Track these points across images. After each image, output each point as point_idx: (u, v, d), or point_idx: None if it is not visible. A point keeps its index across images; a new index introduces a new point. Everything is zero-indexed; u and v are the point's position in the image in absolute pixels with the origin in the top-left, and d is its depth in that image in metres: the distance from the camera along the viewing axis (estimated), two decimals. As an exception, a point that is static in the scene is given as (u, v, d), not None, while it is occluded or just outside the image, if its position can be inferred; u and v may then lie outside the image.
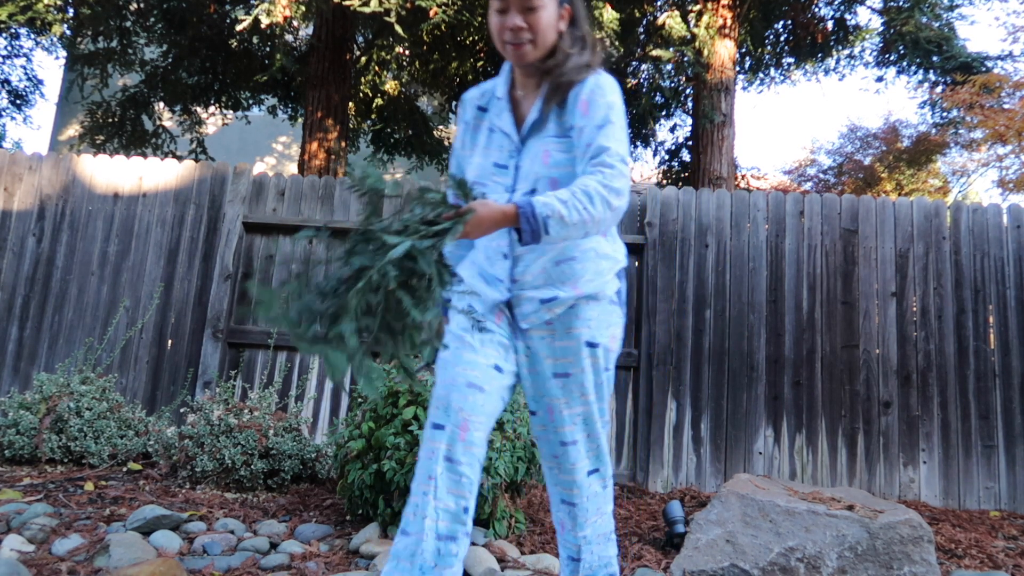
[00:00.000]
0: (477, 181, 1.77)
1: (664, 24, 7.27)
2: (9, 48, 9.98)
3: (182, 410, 4.08)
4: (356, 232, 1.47)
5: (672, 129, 10.13)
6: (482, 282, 1.78)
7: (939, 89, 8.72)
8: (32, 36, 9.46)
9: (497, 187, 1.75)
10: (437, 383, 1.68)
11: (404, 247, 1.38)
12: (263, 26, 5.63)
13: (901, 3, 8.16)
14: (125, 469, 3.54)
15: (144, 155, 7.11)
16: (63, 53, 9.49)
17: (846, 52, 9.42)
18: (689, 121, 9.41)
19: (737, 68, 8.12)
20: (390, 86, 9.46)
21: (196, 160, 5.91)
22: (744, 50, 9.16)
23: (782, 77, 10.33)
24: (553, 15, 1.71)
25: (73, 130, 11.42)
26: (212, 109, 9.18)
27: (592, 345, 1.72)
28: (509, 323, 1.76)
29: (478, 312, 1.74)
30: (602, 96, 1.69)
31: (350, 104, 8.41)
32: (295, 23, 6.89)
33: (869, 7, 8.73)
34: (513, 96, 1.81)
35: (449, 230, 1.45)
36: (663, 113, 9.56)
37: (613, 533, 1.90)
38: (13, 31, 9.18)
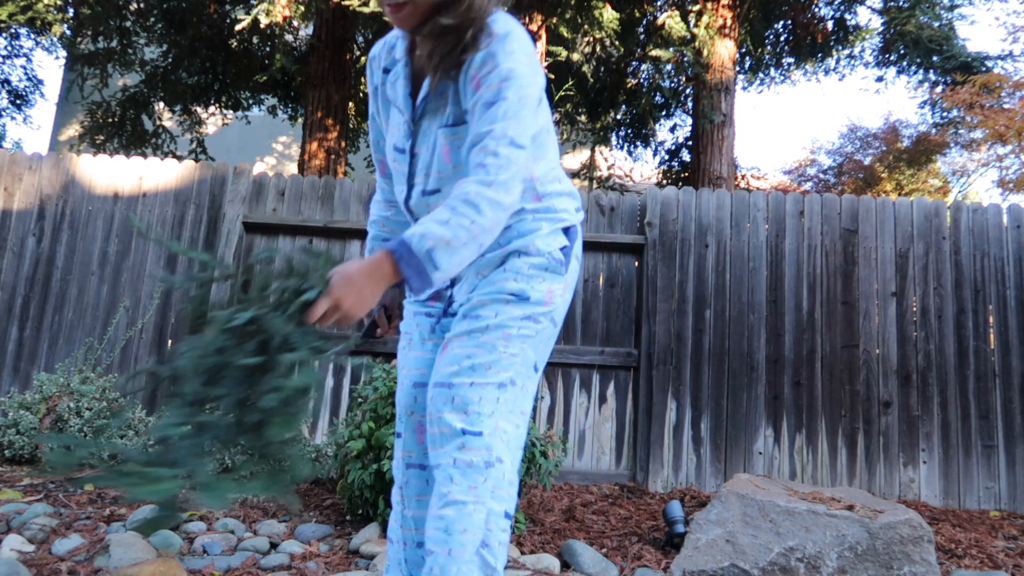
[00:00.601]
0: (390, 167, 1.57)
1: (664, 24, 7.27)
2: (9, 48, 9.98)
3: (182, 410, 4.08)
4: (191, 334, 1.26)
5: (672, 129, 10.13)
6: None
7: (939, 89, 8.72)
8: (32, 36, 9.45)
9: (400, 176, 1.52)
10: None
11: (246, 316, 1.19)
12: (263, 26, 5.64)
13: (901, 3, 8.16)
14: (125, 469, 3.53)
15: (144, 155, 7.11)
16: (63, 53, 9.49)
17: (846, 52, 9.42)
18: (689, 121, 9.41)
19: (737, 68, 8.12)
20: (390, 86, 9.45)
21: (196, 160, 5.91)
22: (744, 50, 9.16)
23: (782, 77, 10.33)
24: None
25: (73, 130, 11.42)
26: (212, 109, 9.18)
27: (518, 296, 1.45)
28: (442, 304, 1.62)
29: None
30: (495, 65, 1.34)
31: (350, 104, 8.41)
32: (295, 23, 6.90)
33: (869, 7, 8.73)
34: (414, 58, 1.48)
35: (310, 298, 1.25)
36: (663, 113, 9.57)
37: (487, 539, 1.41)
38: (13, 31, 9.18)
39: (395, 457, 1.61)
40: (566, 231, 1.52)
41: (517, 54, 1.34)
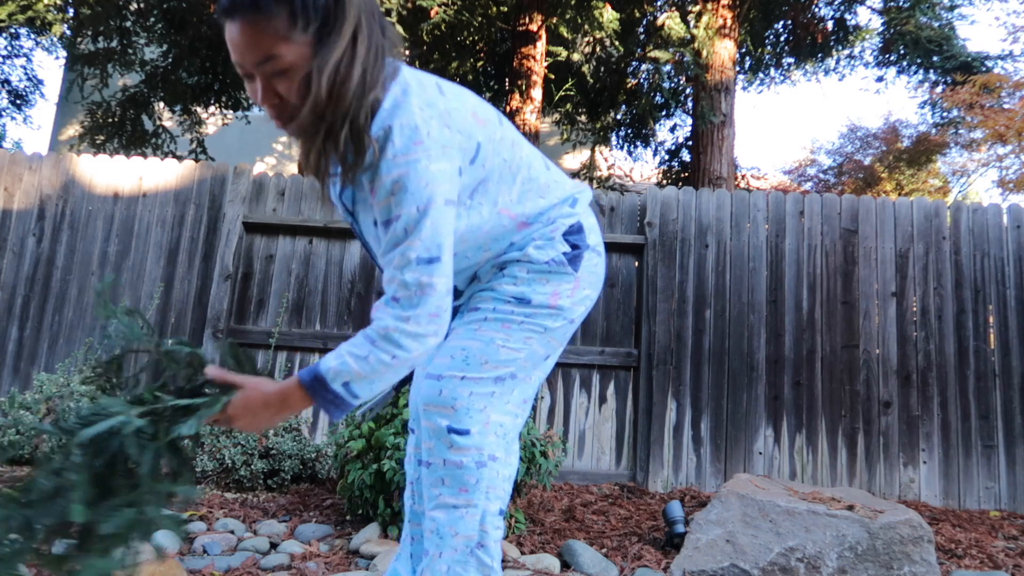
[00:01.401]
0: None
1: (664, 25, 7.27)
2: (9, 48, 9.99)
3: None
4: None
5: (672, 129, 10.13)
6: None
7: (939, 89, 8.73)
8: (32, 36, 9.46)
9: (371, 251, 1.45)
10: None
11: (102, 426, 1.07)
12: (263, 26, 5.63)
13: (901, 3, 8.16)
14: (125, 469, 3.53)
15: (144, 155, 7.11)
16: (63, 53, 9.49)
17: (846, 52, 9.43)
18: (689, 121, 9.41)
19: (737, 68, 8.12)
20: (390, 86, 9.45)
21: (196, 160, 5.91)
22: (744, 50, 9.16)
23: (782, 77, 10.34)
24: (306, 68, 1.19)
25: (73, 130, 11.42)
26: (212, 109, 9.18)
27: (519, 299, 1.41)
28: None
29: None
30: (378, 178, 1.20)
31: (350, 104, 8.38)
32: (295, 23, 6.88)
33: (869, 7, 8.73)
34: None
35: (196, 410, 1.15)
36: (663, 113, 9.57)
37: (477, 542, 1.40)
38: (13, 31, 9.18)
39: (407, 453, 1.60)
40: (568, 231, 1.46)
41: (403, 151, 1.18)
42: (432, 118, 1.22)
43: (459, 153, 1.25)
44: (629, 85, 8.98)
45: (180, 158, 5.30)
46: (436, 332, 1.22)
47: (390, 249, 1.21)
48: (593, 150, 9.27)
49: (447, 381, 1.37)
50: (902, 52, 8.38)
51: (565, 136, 9.60)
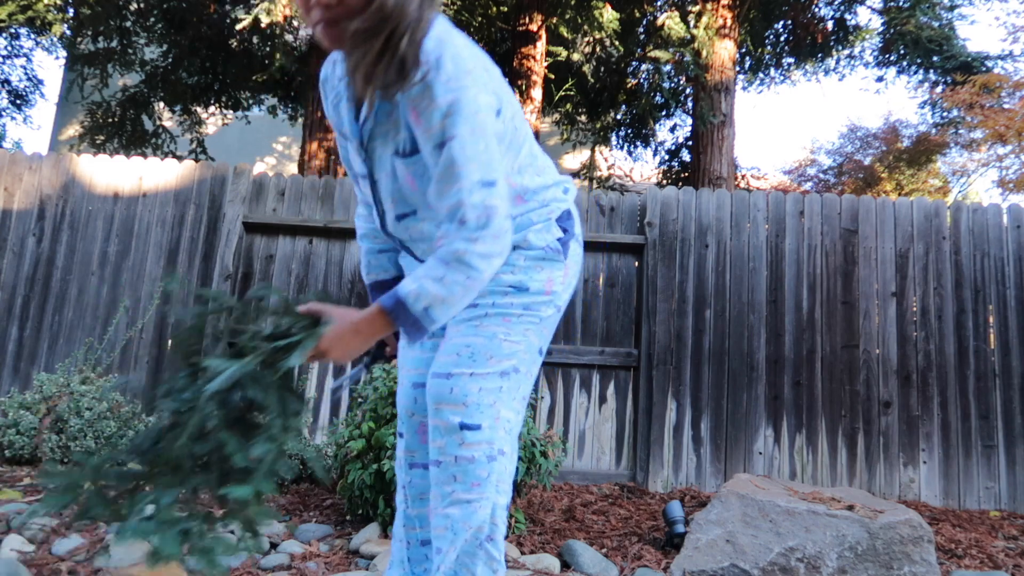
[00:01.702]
0: (358, 195, 1.55)
1: (664, 25, 7.27)
2: (9, 48, 9.98)
3: (182, 410, 4.08)
4: (182, 365, 1.19)
5: (672, 129, 10.13)
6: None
7: (939, 89, 8.73)
8: (32, 36, 9.46)
9: (369, 201, 1.48)
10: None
11: (226, 376, 1.12)
12: (263, 26, 5.64)
13: (901, 3, 8.16)
14: (125, 469, 3.53)
15: (144, 155, 7.11)
16: (63, 53, 9.49)
17: (846, 52, 9.43)
18: (689, 121, 9.41)
19: (737, 68, 8.12)
20: (390, 86, 9.44)
21: (196, 160, 5.91)
22: (744, 50, 9.16)
23: (782, 77, 10.33)
24: None
25: (73, 130, 11.42)
26: (212, 109, 9.19)
27: (516, 287, 1.44)
28: None
29: None
30: (432, 100, 1.22)
31: (350, 104, 8.39)
32: (295, 23, 6.89)
33: (869, 7, 8.73)
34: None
35: (296, 347, 1.19)
36: (663, 113, 9.57)
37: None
38: (13, 31, 9.18)
39: (397, 458, 1.60)
40: (560, 218, 1.49)
41: (455, 77, 1.21)
42: (476, 57, 1.27)
43: (495, 98, 1.28)
44: (629, 85, 8.98)
45: (180, 158, 5.31)
46: (501, 252, 1.27)
47: (447, 170, 1.23)
48: (593, 150, 9.27)
49: (457, 379, 1.38)
50: (902, 52, 8.38)
51: (565, 136, 9.60)
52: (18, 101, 10.61)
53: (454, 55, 1.22)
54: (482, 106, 1.23)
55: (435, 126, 1.22)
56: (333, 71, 1.44)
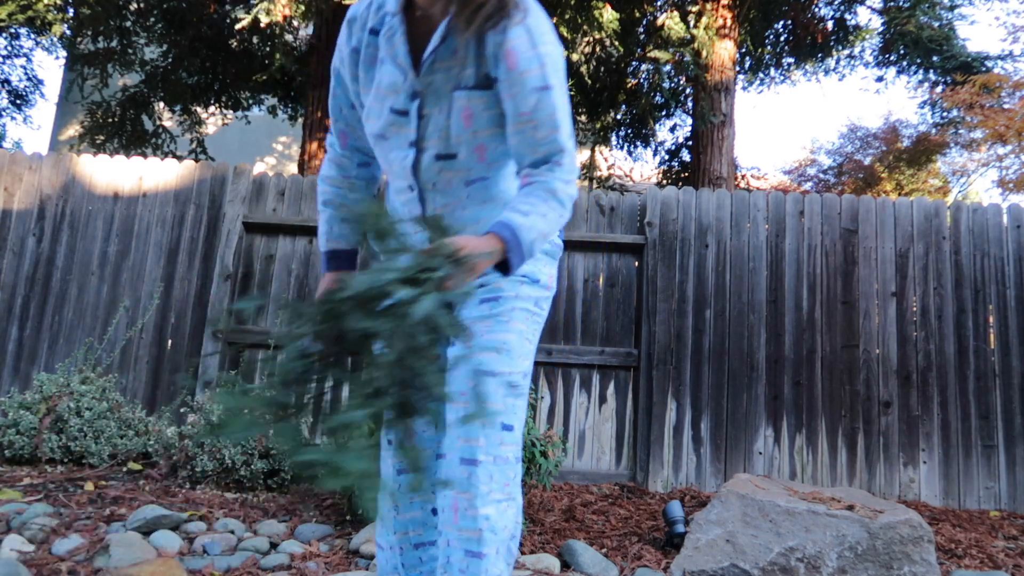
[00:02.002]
0: (377, 133, 1.42)
1: (664, 25, 7.27)
2: (9, 48, 9.98)
3: (182, 410, 4.08)
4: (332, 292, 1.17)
5: (672, 129, 10.12)
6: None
7: (939, 89, 8.73)
8: (32, 36, 9.46)
9: (399, 140, 1.41)
10: None
11: (432, 302, 1.12)
12: (263, 26, 5.64)
13: (901, 3, 8.16)
14: (125, 469, 3.54)
15: (144, 155, 7.11)
16: (63, 53, 9.49)
17: (846, 52, 9.42)
18: (689, 121, 9.41)
19: (737, 68, 8.12)
20: (390, 86, 9.44)
21: (196, 160, 5.91)
22: (744, 50, 9.16)
23: (782, 77, 10.33)
24: None
25: (73, 130, 11.42)
26: (212, 109, 9.18)
27: (530, 277, 1.47)
28: None
29: None
30: (534, 45, 1.29)
31: (350, 104, 8.39)
32: (295, 23, 6.90)
33: (869, 7, 8.73)
34: (411, 14, 1.37)
35: (453, 275, 1.19)
36: (663, 113, 9.56)
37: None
38: (13, 31, 9.18)
39: (383, 467, 1.54)
40: None
41: (549, 30, 1.31)
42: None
43: None
44: (629, 85, 8.98)
45: (180, 158, 5.31)
46: (575, 194, 1.36)
47: (545, 115, 1.30)
48: (593, 150, 9.27)
49: (501, 377, 1.38)
50: (902, 52, 8.38)
51: (565, 136, 9.57)
52: (18, 101, 10.61)
53: (540, 16, 1.32)
54: (562, 69, 1.33)
55: (534, 71, 1.29)
56: (373, 11, 1.42)
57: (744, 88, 10.57)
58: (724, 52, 7.45)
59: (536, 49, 1.28)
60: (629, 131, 9.95)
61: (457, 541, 1.35)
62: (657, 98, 8.99)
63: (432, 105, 1.37)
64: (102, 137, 8.50)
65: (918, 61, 8.35)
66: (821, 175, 14.87)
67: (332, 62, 1.48)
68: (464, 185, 1.42)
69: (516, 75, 1.29)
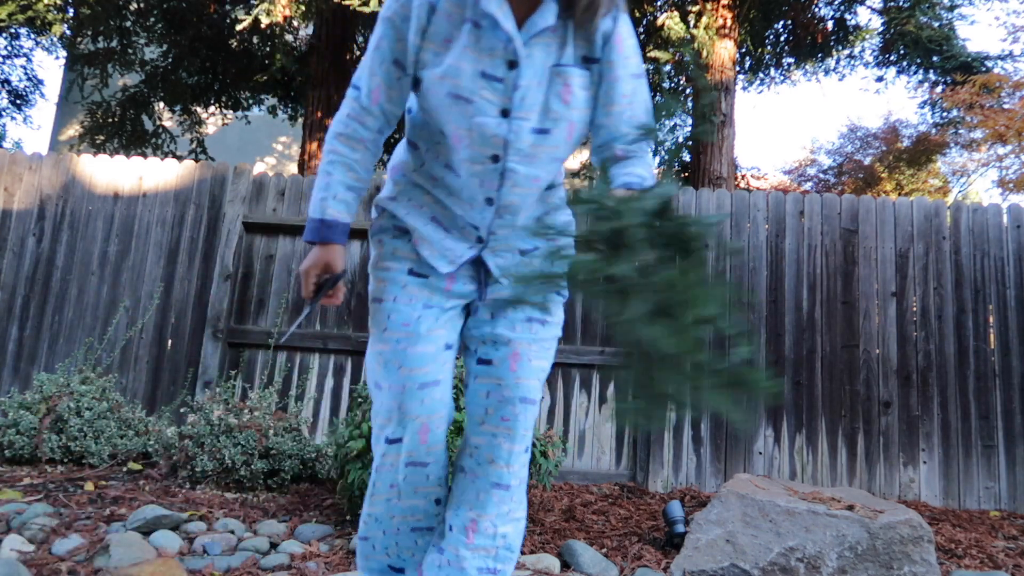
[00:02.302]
0: (459, 94, 1.36)
1: (664, 25, 7.27)
2: (9, 48, 9.99)
3: (182, 410, 4.08)
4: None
5: (672, 129, 10.12)
6: (445, 235, 1.47)
7: (939, 89, 8.73)
8: (32, 36, 9.47)
9: (487, 106, 1.36)
10: (383, 388, 1.45)
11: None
12: (263, 26, 5.64)
13: (901, 3, 8.16)
14: (125, 469, 3.54)
15: (144, 155, 7.11)
16: (63, 53, 9.49)
17: (846, 52, 9.42)
18: (689, 121, 9.40)
19: (737, 68, 8.12)
20: (390, 86, 9.45)
21: (196, 160, 5.92)
22: (744, 50, 9.15)
23: (782, 77, 10.33)
24: None
25: (73, 130, 11.42)
26: (212, 109, 9.19)
27: (564, 298, 1.52)
28: (471, 278, 1.49)
29: (432, 278, 1.46)
30: (632, 35, 1.41)
31: (350, 104, 8.40)
32: (295, 23, 6.90)
33: (869, 7, 8.73)
34: None
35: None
36: (664, 114, 9.55)
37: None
38: (13, 31, 9.18)
39: (388, 462, 1.47)
40: None
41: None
42: None
43: None
44: (629, 85, 8.96)
45: (180, 158, 5.31)
46: None
47: (645, 101, 1.44)
48: (593, 150, 9.26)
49: (537, 405, 1.48)
50: (902, 52, 8.38)
51: (565, 136, 9.58)
52: (18, 101, 10.61)
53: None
54: None
55: (635, 58, 1.42)
56: None
57: (744, 88, 10.57)
58: (724, 52, 7.45)
59: (634, 39, 1.40)
60: (629, 131, 9.92)
61: (472, 559, 1.39)
62: (657, 98, 8.99)
63: (531, 77, 1.37)
64: (102, 137, 8.51)
65: (918, 61, 8.35)
66: (821, 175, 14.87)
67: (384, 12, 1.39)
68: (550, 162, 1.43)
69: (623, 59, 1.39)
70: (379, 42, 1.40)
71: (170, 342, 4.27)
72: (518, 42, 1.34)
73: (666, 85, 8.82)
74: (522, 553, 2.63)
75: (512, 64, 1.35)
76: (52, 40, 8.94)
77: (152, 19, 7.84)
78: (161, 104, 8.93)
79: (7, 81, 10.40)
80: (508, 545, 1.39)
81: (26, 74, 10.48)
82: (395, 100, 1.44)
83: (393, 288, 1.47)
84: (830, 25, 8.90)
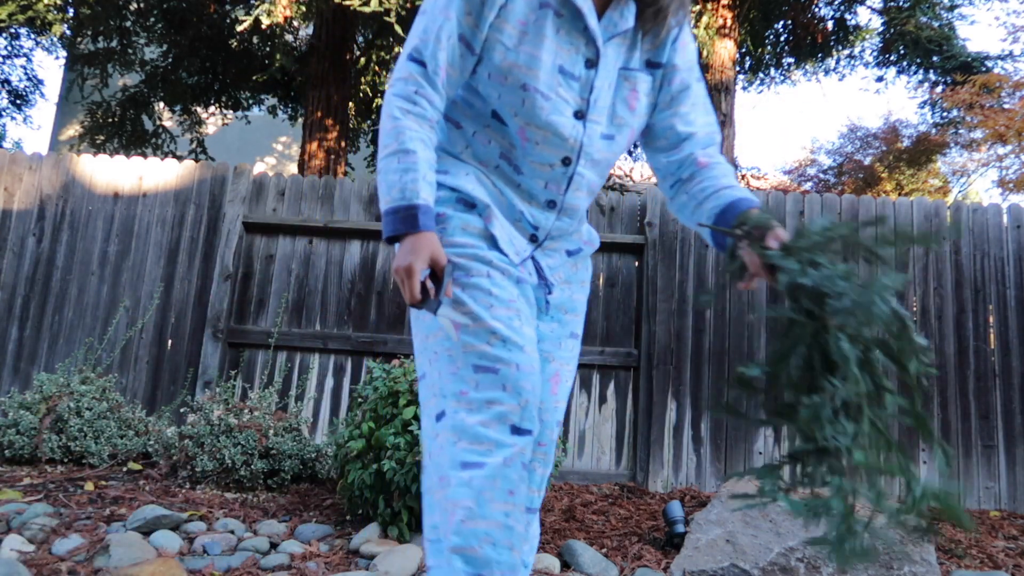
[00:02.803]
0: (535, 87, 1.24)
1: (664, 24, 7.26)
2: (9, 48, 9.99)
3: (182, 410, 4.08)
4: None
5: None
6: (513, 229, 1.32)
7: (939, 89, 8.73)
8: (32, 36, 9.46)
9: (563, 105, 1.26)
10: (499, 366, 1.17)
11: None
12: (263, 26, 5.64)
13: (901, 3, 8.16)
14: (125, 469, 3.54)
15: (144, 155, 7.11)
16: (63, 53, 9.50)
17: (846, 52, 9.42)
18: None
19: (737, 68, 8.12)
20: (390, 86, 9.45)
21: (196, 160, 5.92)
22: (744, 50, 9.15)
23: (782, 77, 10.33)
24: None
25: (73, 130, 11.42)
26: (212, 109, 9.19)
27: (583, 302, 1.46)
28: (535, 274, 1.36)
29: (515, 267, 1.29)
30: (692, 38, 1.41)
31: (350, 104, 8.41)
32: (295, 23, 6.89)
33: (869, 7, 8.73)
34: None
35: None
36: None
37: None
38: (13, 31, 9.18)
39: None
40: None
41: None
42: None
43: None
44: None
45: (180, 158, 5.31)
46: None
47: (706, 104, 1.41)
48: (593, 150, 9.27)
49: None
50: (902, 52, 8.38)
51: (565, 136, 9.57)
52: (18, 101, 10.61)
53: None
54: None
55: (694, 62, 1.40)
56: None
57: (744, 88, 10.57)
58: (724, 52, 7.45)
59: (694, 44, 1.40)
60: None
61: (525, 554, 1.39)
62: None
63: (604, 78, 1.29)
64: (102, 137, 8.51)
65: (918, 61, 8.35)
66: (821, 175, 14.87)
67: None
68: (607, 168, 1.38)
69: (690, 64, 1.38)
70: (446, 12, 1.23)
71: (170, 342, 4.27)
72: (599, 40, 1.26)
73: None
74: (522, 553, 2.63)
75: (590, 62, 1.27)
76: (52, 40, 8.94)
77: (152, 19, 7.83)
78: (161, 104, 8.93)
79: (7, 81, 10.40)
80: (524, 562, 1.30)
81: (26, 74, 10.48)
82: (454, 83, 1.27)
83: (479, 265, 1.23)
84: (830, 25, 8.91)
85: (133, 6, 7.73)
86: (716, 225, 1.30)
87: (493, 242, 1.27)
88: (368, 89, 9.26)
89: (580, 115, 1.28)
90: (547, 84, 1.24)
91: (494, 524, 1.12)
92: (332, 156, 7.28)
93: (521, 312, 1.23)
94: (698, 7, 7.47)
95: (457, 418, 1.16)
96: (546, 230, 1.33)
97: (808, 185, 14.75)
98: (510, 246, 1.28)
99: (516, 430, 1.16)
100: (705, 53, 7.10)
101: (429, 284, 1.17)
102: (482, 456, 1.13)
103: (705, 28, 7.05)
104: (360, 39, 8.63)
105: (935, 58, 8.21)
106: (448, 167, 1.30)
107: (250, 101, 9.15)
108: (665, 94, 1.36)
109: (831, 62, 9.78)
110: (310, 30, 8.08)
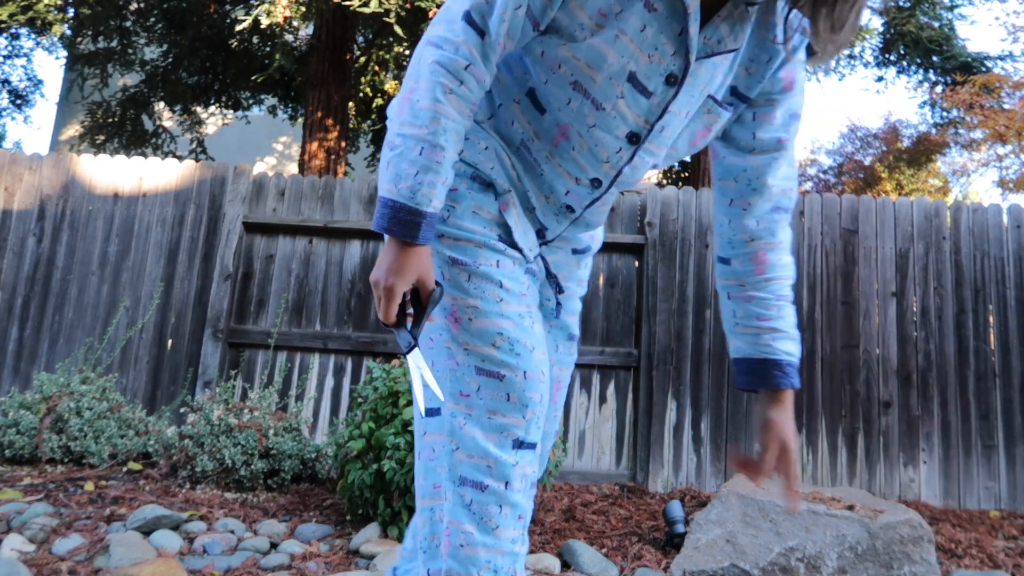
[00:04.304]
0: (587, 89, 1.04)
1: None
2: (9, 48, 9.99)
3: (182, 410, 4.08)
4: None
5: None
6: (527, 221, 1.16)
7: (939, 89, 8.73)
8: (32, 36, 9.46)
9: (617, 122, 1.06)
10: (505, 372, 1.02)
11: None
12: (263, 26, 5.64)
13: (901, 3, 8.16)
14: (125, 469, 3.54)
15: (144, 155, 7.11)
16: (63, 53, 9.49)
17: (846, 52, 9.41)
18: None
19: (737, 68, 8.10)
20: (390, 86, 9.47)
21: (196, 160, 5.92)
22: (744, 50, 9.14)
23: (782, 77, 10.31)
24: None
25: (73, 130, 11.42)
26: (212, 109, 9.19)
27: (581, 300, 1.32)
28: (544, 271, 1.24)
29: (533, 266, 1.16)
30: (801, 75, 1.14)
31: (350, 104, 8.42)
32: (295, 23, 6.89)
33: (869, 7, 8.72)
34: None
35: None
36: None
37: None
38: (13, 31, 9.18)
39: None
40: None
41: None
42: None
43: None
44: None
45: (180, 158, 5.31)
46: None
47: (792, 148, 1.18)
48: (593, 150, 9.27)
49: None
50: (902, 52, 8.38)
51: (565, 136, 9.58)
52: (18, 101, 10.62)
53: None
54: None
55: (801, 98, 1.18)
56: None
57: (744, 88, 10.56)
58: (724, 52, 7.44)
59: (802, 72, 1.12)
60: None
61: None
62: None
63: (682, 105, 1.06)
64: (102, 137, 8.51)
65: (918, 61, 8.36)
66: (821, 175, 14.88)
67: None
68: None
69: (788, 99, 1.15)
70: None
71: (170, 342, 4.27)
72: (694, 53, 1.02)
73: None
74: (522, 553, 2.63)
75: (672, 79, 1.03)
76: (52, 40, 8.94)
77: (152, 19, 7.84)
78: (161, 104, 8.94)
79: (7, 81, 10.41)
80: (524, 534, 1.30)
81: (26, 74, 10.49)
82: (502, 59, 1.08)
83: (489, 253, 1.06)
84: (830, 25, 8.88)
85: (133, 6, 7.73)
86: (741, 373, 1.29)
87: (507, 232, 1.09)
88: (368, 89, 9.27)
89: (635, 139, 1.08)
90: (604, 91, 1.03)
91: (497, 552, 1.00)
92: (332, 156, 7.28)
93: (532, 308, 1.09)
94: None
95: (455, 422, 1.03)
96: (556, 233, 1.20)
97: (808, 185, 14.75)
98: (524, 240, 1.11)
99: (519, 444, 1.03)
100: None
101: (409, 308, 1.02)
102: (483, 475, 1.00)
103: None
104: (360, 39, 8.63)
105: (935, 58, 8.21)
106: (468, 134, 1.11)
107: (250, 101, 9.16)
108: (747, 128, 1.14)
109: (831, 62, 9.77)
110: (310, 30, 8.09)
